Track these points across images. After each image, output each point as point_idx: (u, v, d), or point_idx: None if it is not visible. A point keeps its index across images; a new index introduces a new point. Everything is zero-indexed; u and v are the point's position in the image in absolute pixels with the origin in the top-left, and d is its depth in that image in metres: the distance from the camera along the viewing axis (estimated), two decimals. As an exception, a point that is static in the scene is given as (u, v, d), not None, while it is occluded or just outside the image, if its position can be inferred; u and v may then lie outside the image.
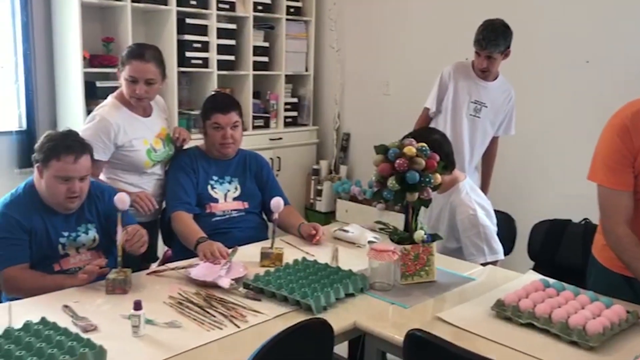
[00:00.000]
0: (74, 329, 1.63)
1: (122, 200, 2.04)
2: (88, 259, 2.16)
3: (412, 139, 2.09)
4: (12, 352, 1.45)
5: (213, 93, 3.77)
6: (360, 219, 3.09)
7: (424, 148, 2.05)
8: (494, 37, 3.04)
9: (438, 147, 2.26)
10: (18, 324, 1.62)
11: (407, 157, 2.01)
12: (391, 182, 2.01)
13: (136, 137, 2.53)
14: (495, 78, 3.25)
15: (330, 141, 4.90)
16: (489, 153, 3.41)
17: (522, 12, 3.66)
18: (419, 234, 2.09)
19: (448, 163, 2.41)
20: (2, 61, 3.76)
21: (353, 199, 4.35)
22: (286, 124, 4.79)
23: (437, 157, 2.08)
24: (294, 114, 4.88)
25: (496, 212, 2.65)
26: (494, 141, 3.40)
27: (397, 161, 2.00)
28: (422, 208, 2.17)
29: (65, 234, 2.13)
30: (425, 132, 2.70)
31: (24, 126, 3.81)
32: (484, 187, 3.42)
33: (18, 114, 3.83)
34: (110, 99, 2.58)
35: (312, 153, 4.92)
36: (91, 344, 1.50)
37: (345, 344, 2.42)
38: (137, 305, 1.65)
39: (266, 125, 4.65)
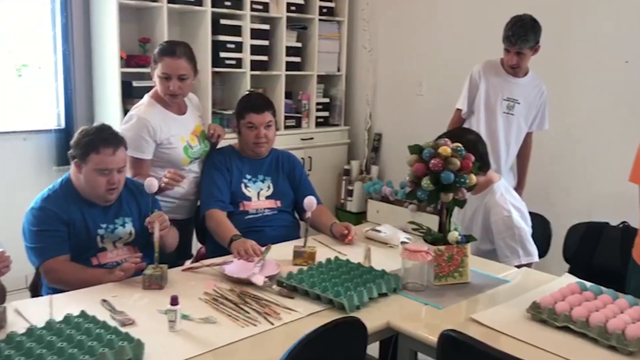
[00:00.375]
0: (112, 323, 1.66)
1: (151, 184, 2.11)
2: (125, 253, 2.20)
3: (447, 139, 2.08)
4: (54, 343, 1.49)
5: (247, 93, 3.80)
6: (392, 220, 3.07)
7: (459, 148, 2.04)
8: (523, 33, 3.00)
9: (473, 148, 2.24)
10: (58, 317, 1.67)
11: (442, 157, 2.00)
12: (425, 182, 2.00)
13: (173, 135, 2.57)
14: (525, 74, 3.22)
15: (361, 141, 4.90)
16: (524, 149, 3.37)
17: (560, 11, 3.61)
18: (453, 235, 2.08)
19: (483, 164, 2.39)
20: (42, 61, 3.86)
21: (384, 199, 4.33)
22: (318, 124, 4.80)
23: (472, 158, 2.07)
24: (326, 114, 4.89)
25: (530, 214, 2.62)
26: (528, 137, 3.36)
27: (432, 161, 1.99)
28: (456, 209, 2.16)
29: (104, 225, 2.18)
30: (459, 132, 2.68)
31: (63, 125, 3.90)
32: (520, 184, 3.39)
33: (57, 113, 3.93)
34: (146, 98, 2.63)
35: (343, 153, 4.92)
36: (129, 337, 1.54)
37: (376, 344, 2.42)
38: (174, 301, 1.67)
39: (298, 125, 4.68)
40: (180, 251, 2.63)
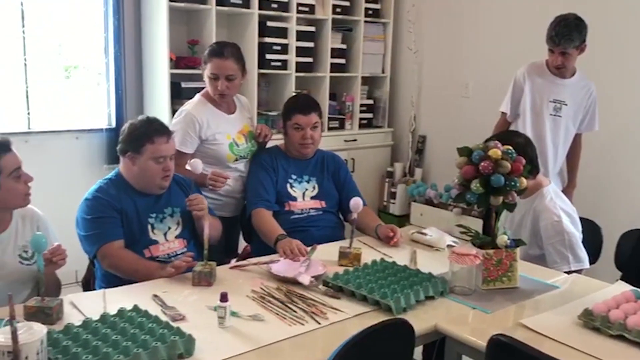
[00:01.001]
0: (163, 318, 1.70)
1: (196, 165, 2.23)
2: (176, 247, 2.26)
3: (497, 142, 2.05)
4: (109, 335, 1.54)
5: (294, 94, 3.84)
6: (435, 223, 3.04)
7: (509, 151, 2.01)
8: (567, 32, 2.94)
9: (522, 151, 2.20)
10: (111, 310, 1.72)
11: (492, 159, 1.97)
12: (475, 185, 1.98)
13: (219, 132, 2.64)
14: (572, 74, 3.14)
15: (405, 143, 4.87)
16: (573, 151, 3.29)
17: (611, 9, 3.52)
18: (502, 239, 2.05)
19: (532, 167, 2.35)
20: (90, 63, 3.98)
21: (428, 202, 4.30)
22: (361, 126, 4.80)
23: (523, 161, 2.03)
24: (369, 115, 4.89)
25: (581, 219, 2.57)
26: (577, 138, 3.28)
27: (482, 164, 1.97)
28: (503, 213, 2.13)
29: (153, 215, 2.25)
30: (508, 135, 2.64)
31: (113, 124, 4.00)
32: (571, 183, 3.32)
33: (107, 113, 4.04)
34: (198, 96, 2.71)
35: (387, 155, 4.91)
36: (181, 332, 1.57)
37: (419, 348, 2.40)
38: (224, 297, 1.70)
39: (341, 127, 4.68)
40: (226, 249, 2.67)
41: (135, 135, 2.21)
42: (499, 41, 4.17)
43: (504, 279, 2.07)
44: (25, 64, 3.70)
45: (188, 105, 2.67)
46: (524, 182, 2.03)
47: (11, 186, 1.91)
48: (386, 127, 4.91)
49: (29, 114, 3.78)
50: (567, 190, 3.21)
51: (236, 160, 2.70)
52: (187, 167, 2.30)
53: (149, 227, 2.24)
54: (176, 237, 2.29)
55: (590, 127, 3.25)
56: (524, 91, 3.19)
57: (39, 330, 1.36)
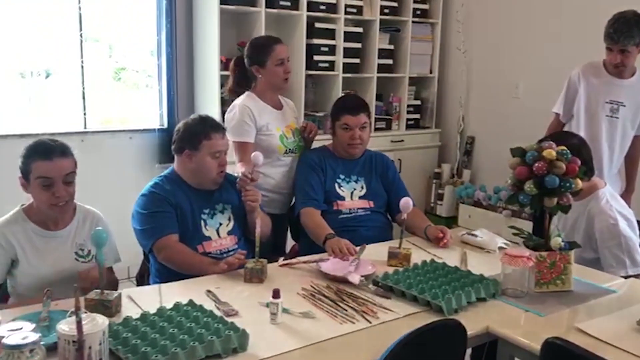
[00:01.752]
0: (217, 313, 1.74)
1: (257, 157, 2.33)
2: (228, 243, 2.31)
3: (552, 142, 2.01)
4: (166, 329, 1.58)
5: (343, 94, 3.86)
6: (484, 225, 3.00)
7: (564, 151, 1.98)
8: (626, 29, 2.85)
9: (576, 152, 2.15)
10: (168, 304, 1.76)
11: (546, 160, 1.94)
12: (528, 186, 1.95)
13: (270, 122, 2.72)
14: (632, 74, 3.05)
15: (453, 144, 4.82)
16: (631, 154, 3.20)
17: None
18: (556, 241, 2.01)
19: (587, 169, 2.29)
20: (141, 64, 4.10)
21: (477, 204, 4.25)
22: (408, 127, 4.78)
23: (579, 162, 1.99)
24: (416, 116, 4.86)
25: (638, 222, 2.49)
26: (636, 140, 3.18)
27: (536, 164, 1.94)
28: (556, 216, 2.08)
29: (206, 211, 2.31)
30: (562, 136, 2.58)
31: (165, 125, 4.10)
32: (629, 187, 3.23)
33: (160, 114, 4.14)
34: (246, 93, 2.79)
35: (434, 156, 4.87)
36: (235, 327, 1.60)
37: (467, 350, 2.37)
38: (276, 294, 1.73)
39: (388, 128, 4.67)
40: (274, 247, 2.71)
41: (192, 133, 2.28)
42: (551, 41, 4.08)
43: (558, 282, 2.03)
44: (82, 66, 3.84)
45: (238, 101, 2.76)
46: (579, 183, 1.98)
47: (37, 191, 1.97)
48: (434, 128, 4.88)
49: (85, 114, 3.91)
50: (625, 195, 3.11)
51: (286, 152, 2.76)
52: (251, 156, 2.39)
53: (202, 222, 2.29)
54: (228, 233, 2.34)
55: None
56: (578, 92, 3.11)
57: (102, 321, 1.41)
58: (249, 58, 2.76)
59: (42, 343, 1.34)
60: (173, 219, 2.24)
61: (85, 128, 3.91)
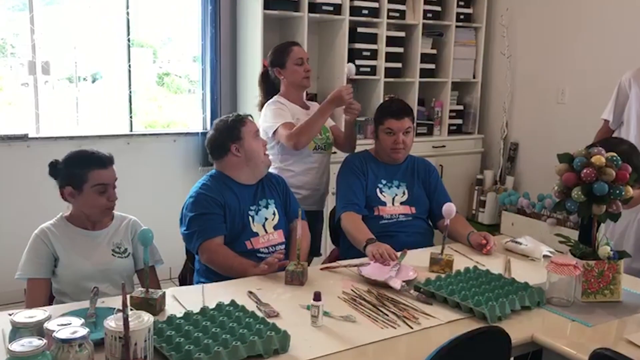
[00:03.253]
0: (259, 314, 1.75)
1: (350, 68, 2.75)
2: (275, 239, 2.35)
3: (601, 148, 1.96)
4: (209, 328, 1.60)
5: (387, 98, 3.86)
6: (527, 233, 2.93)
7: (614, 158, 1.92)
8: None
9: (627, 159, 2.09)
10: (210, 304, 1.78)
11: (595, 166, 1.89)
12: (576, 192, 1.90)
13: (300, 119, 2.80)
14: None
15: (496, 151, 4.75)
16: None
17: None
18: (605, 250, 1.95)
19: (638, 176, 2.23)
20: (184, 69, 4.18)
21: (520, 211, 4.17)
22: (450, 132, 4.73)
23: (629, 168, 1.93)
24: (459, 121, 4.81)
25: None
26: None
27: (584, 171, 1.89)
28: (604, 224, 2.03)
29: (253, 207, 2.36)
30: (612, 142, 2.51)
31: (208, 128, 4.17)
32: None
33: (203, 117, 4.21)
34: (275, 96, 2.91)
35: (476, 162, 4.81)
36: (276, 328, 1.61)
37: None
38: (317, 297, 1.73)
39: (429, 133, 4.63)
40: (311, 247, 2.71)
41: (230, 127, 2.36)
42: (598, 45, 3.98)
43: (606, 292, 1.97)
44: (130, 70, 3.93)
45: (270, 101, 2.88)
46: (630, 190, 1.93)
47: (91, 197, 2.08)
48: (476, 134, 4.81)
49: (131, 117, 4.01)
50: None
51: (315, 149, 2.85)
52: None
53: (250, 219, 2.32)
54: (274, 227, 2.37)
55: None
56: (629, 97, 3.03)
57: (147, 319, 1.44)
58: (271, 62, 2.91)
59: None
60: (219, 220, 2.27)
61: (131, 131, 4.01)
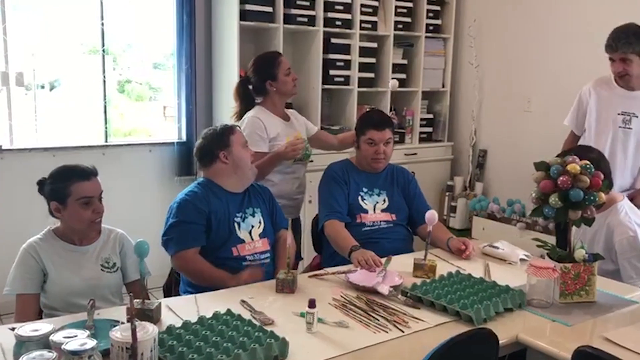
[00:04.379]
0: (255, 322, 1.79)
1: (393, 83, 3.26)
2: (260, 247, 2.39)
3: (576, 157, 2.08)
4: (209, 337, 1.64)
5: (369, 109, 3.97)
6: (498, 237, 3.03)
7: (587, 166, 2.04)
8: (625, 37, 2.93)
9: (596, 166, 2.21)
10: (206, 314, 1.82)
11: (570, 174, 2.00)
12: (553, 199, 2.01)
13: (280, 133, 2.88)
14: None
15: (465, 157, 4.88)
16: None
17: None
18: (580, 253, 2.07)
19: (608, 183, 2.35)
20: (166, 81, 4.19)
21: (491, 216, 4.30)
22: (421, 140, 4.84)
23: (602, 175, 2.05)
24: (429, 129, 4.93)
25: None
26: None
27: (561, 178, 2.00)
28: (574, 229, 2.14)
29: (239, 214, 2.40)
30: (581, 150, 2.64)
31: (184, 138, 4.18)
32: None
33: (178, 128, 4.22)
34: (257, 107, 2.97)
35: (446, 169, 4.93)
36: (275, 335, 1.66)
37: None
38: (312, 304, 1.78)
39: (401, 141, 4.73)
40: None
41: (219, 134, 2.43)
42: (562, 56, 4.15)
43: (582, 293, 2.08)
44: (104, 81, 3.92)
45: (249, 113, 2.93)
46: (603, 196, 2.04)
47: (76, 211, 2.08)
48: (446, 141, 4.94)
49: (106, 128, 3.99)
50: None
51: (295, 161, 2.91)
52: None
53: (236, 225, 2.36)
54: (260, 235, 2.41)
55: None
56: (589, 104, 3.18)
57: (152, 329, 1.47)
58: (259, 75, 2.93)
59: (95, 350, 1.40)
60: (199, 230, 2.30)
61: (106, 142, 3.99)
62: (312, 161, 3.13)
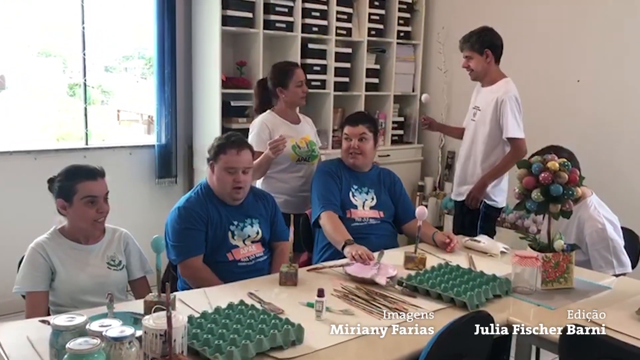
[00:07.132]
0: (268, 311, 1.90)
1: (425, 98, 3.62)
2: (254, 250, 2.49)
3: (554, 155, 2.26)
4: (229, 325, 1.73)
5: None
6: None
7: (566, 163, 2.23)
8: (467, 36, 3.35)
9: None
10: (221, 304, 1.91)
11: (551, 171, 2.18)
12: (536, 194, 2.19)
13: (285, 134, 3.00)
14: (491, 83, 3.37)
15: (434, 159, 5.08)
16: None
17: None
18: (559, 243, 2.25)
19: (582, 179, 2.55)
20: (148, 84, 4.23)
21: (461, 214, 4.50)
22: (393, 142, 5.02)
23: (578, 172, 2.24)
24: (400, 132, 5.11)
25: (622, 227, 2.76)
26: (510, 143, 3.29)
27: (542, 175, 2.18)
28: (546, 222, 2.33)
29: (235, 223, 2.48)
30: (554, 149, 2.84)
31: (163, 141, 4.22)
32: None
33: (157, 131, 4.25)
34: (268, 110, 3.15)
35: (417, 170, 5.12)
36: (290, 322, 1.76)
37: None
38: (321, 293, 1.90)
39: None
40: (294, 245, 2.87)
41: (214, 146, 2.50)
42: (525, 62, 4.38)
43: (561, 280, 2.26)
44: (85, 85, 3.94)
45: (258, 118, 3.11)
46: (579, 191, 2.24)
47: (81, 209, 2.15)
48: (416, 143, 5.13)
49: (87, 132, 4.01)
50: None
51: (299, 160, 3.08)
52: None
53: (229, 233, 2.45)
54: (253, 241, 2.51)
55: (505, 132, 3.26)
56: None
57: (182, 318, 1.56)
58: (273, 80, 3.10)
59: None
60: (201, 237, 2.40)
61: (87, 145, 4.00)
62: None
